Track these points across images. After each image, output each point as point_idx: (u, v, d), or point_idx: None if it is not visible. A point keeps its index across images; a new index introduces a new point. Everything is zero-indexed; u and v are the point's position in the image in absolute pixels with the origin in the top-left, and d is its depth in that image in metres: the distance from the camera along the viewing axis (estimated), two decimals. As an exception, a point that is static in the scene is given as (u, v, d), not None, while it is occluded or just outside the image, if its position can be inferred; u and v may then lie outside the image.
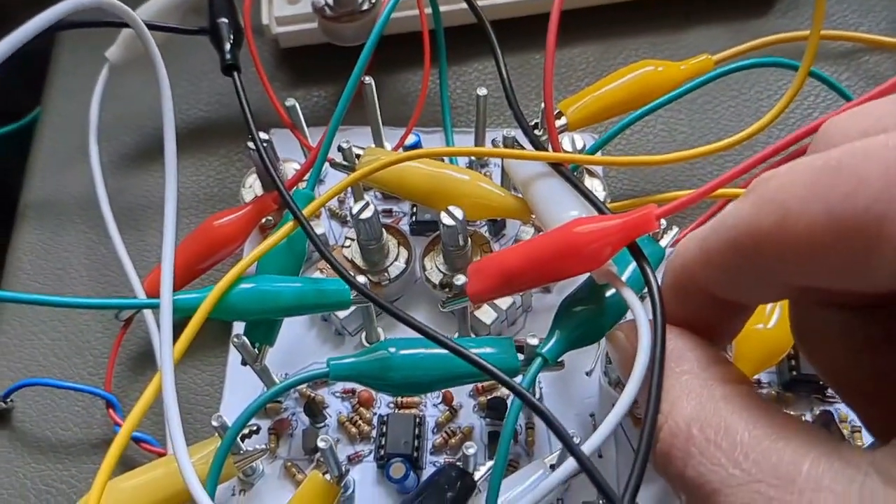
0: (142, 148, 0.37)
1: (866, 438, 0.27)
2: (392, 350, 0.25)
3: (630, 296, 0.25)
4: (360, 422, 0.30)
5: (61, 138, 0.38)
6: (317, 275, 0.32)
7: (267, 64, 0.39)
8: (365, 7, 0.35)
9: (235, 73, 0.32)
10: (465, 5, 0.33)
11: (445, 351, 0.25)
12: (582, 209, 0.27)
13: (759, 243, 0.16)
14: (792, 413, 0.29)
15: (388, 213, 0.34)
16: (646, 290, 0.23)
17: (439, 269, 0.31)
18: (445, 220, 0.29)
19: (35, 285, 0.34)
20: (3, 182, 0.41)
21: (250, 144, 0.30)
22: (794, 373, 0.29)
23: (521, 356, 0.26)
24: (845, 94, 0.32)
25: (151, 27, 0.34)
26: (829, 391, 0.29)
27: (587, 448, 0.21)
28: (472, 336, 0.31)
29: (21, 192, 0.37)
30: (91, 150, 0.35)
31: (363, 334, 0.31)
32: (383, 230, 0.31)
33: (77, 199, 0.36)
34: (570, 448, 0.21)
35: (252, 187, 0.33)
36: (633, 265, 0.27)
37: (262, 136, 0.30)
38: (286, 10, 0.37)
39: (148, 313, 0.32)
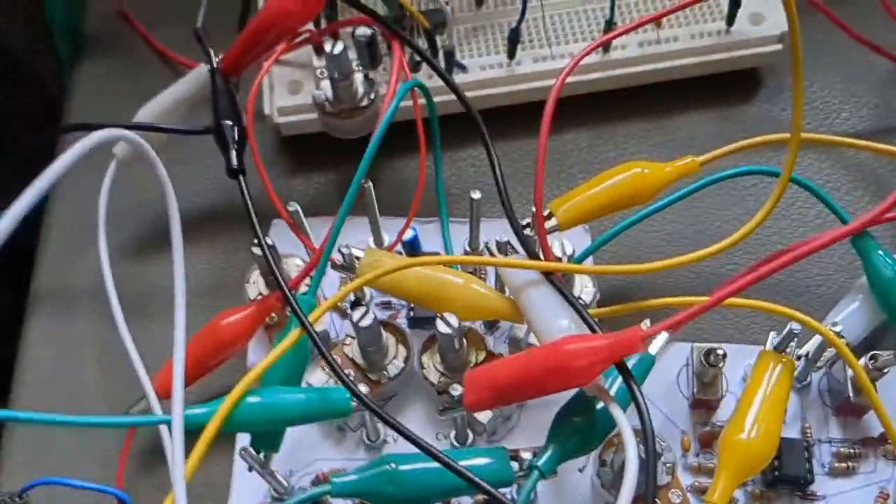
0: (148, 237, 0.38)
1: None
2: (391, 466, 0.27)
3: (618, 412, 0.26)
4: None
5: (69, 228, 0.39)
6: (318, 372, 0.33)
7: (267, 150, 0.40)
8: (364, 103, 0.36)
9: (241, 177, 0.33)
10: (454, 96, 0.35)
11: (441, 467, 0.26)
12: (572, 320, 0.29)
13: None
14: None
15: (387, 305, 0.36)
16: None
17: (437, 369, 0.32)
18: (441, 327, 0.30)
19: (47, 379, 0.35)
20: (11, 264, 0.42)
21: (255, 250, 0.32)
22: (777, 472, 0.30)
23: (515, 465, 0.27)
24: (833, 208, 0.33)
25: (156, 129, 0.36)
26: (810, 489, 0.31)
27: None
28: (469, 434, 0.32)
29: (31, 281, 0.38)
30: (100, 242, 0.36)
31: (363, 431, 0.33)
32: (382, 332, 0.32)
33: (86, 288, 0.37)
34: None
35: (255, 283, 0.35)
36: (619, 380, 0.28)
37: (268, 240, 0.31)
38: (288, 101, 0.38)
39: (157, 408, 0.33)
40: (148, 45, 0.43)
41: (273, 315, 0.33)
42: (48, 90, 0.49)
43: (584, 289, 0.33)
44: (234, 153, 0.33)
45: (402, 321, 0.35)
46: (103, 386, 0.35)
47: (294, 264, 0.35)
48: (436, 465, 0.26)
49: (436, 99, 0.35)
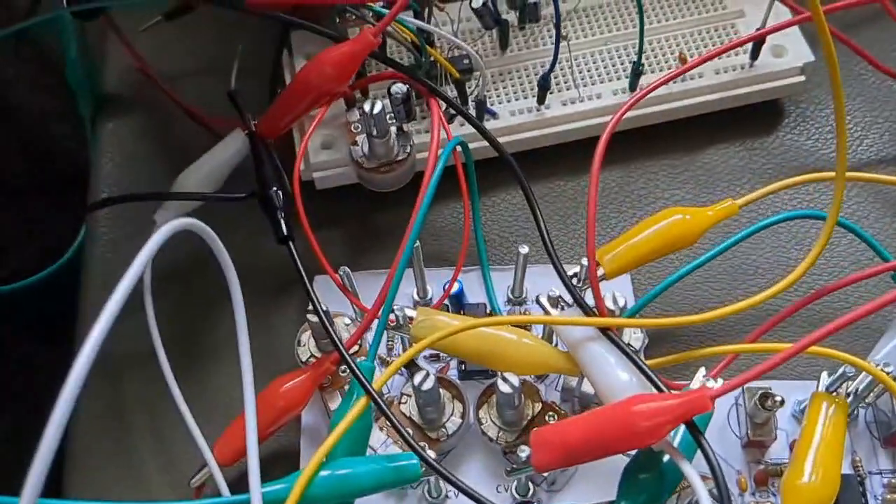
0: (193, 300, 0.39)
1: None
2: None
3: (688, 469, 0.27)
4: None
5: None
6: (377, 433, 0.33)
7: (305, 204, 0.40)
8: (400, 157, 0.36)
9: (290, 244, 0.33)
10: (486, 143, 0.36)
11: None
12: (634, 377, 0.29)
13: None
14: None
15: (436, 357, 0.36)
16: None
17: (494, 423, 0.33)
18: (503, 388, 0.30)
19: (98, 449, 0.35)
20: (51, 324, 0.42)
21: (311, 316, 0.32)
22: (835, 512, 0.31)
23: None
24: (876, 248, 0.34)
25: (202, 197, 0.36)
26: (867, 525, 0.32)
27: None
28: (530, 486, 0.33)
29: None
30: (147, 304, 0.36)
31: (425, 488, 0.33)
32: (440, 392, 0.33)
33: (133, 354, 0.37)
34: None
35: (306, 346, 0.35)
36: (682, 428, 0.29)
37: (323, 306, 0.32)
38: (321, 156, 0.39)
39: (220, 478, 0.33)
40: (171, 102, 0.43)
41: (328, 377, 0.34)
42: (73, 157, 0.49)
43: (633, 335, 0.34)
44: (282, 220, 0.33)
45: (452, 373, 0.35)
46: (157, 455, 0.36)
47: (342, 324, 0.35)
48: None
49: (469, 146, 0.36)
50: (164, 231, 0.26)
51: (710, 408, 0.26)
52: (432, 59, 0.37)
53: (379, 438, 0.33)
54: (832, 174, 0.32)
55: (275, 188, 0.34)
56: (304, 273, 0.32)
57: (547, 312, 0.32)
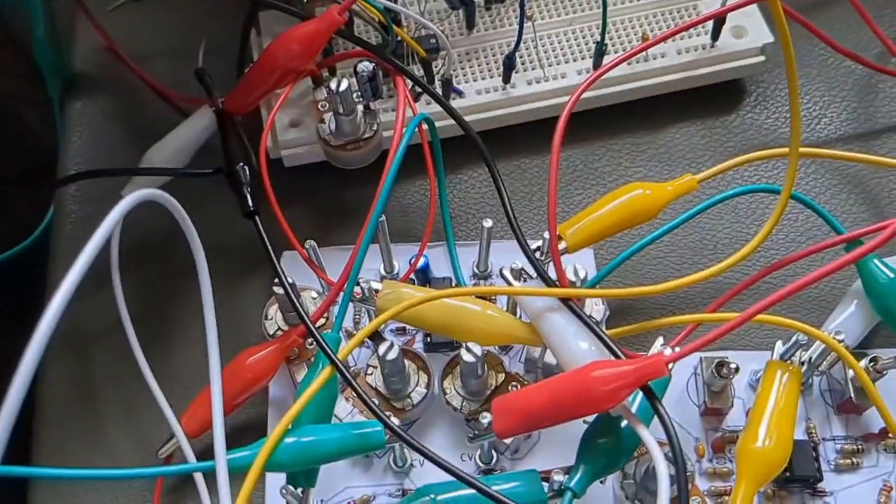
0: (160, 275, 0.39)
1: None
2: (430, 497, 0.28)
3: (645, 433, 0.27)
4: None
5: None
6: (343, 403, 0.34)
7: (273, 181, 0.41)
8: (367, 135, 0.37)
9: (256, 218, 0.34)
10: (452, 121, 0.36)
11: (478, 494, 0.27)
12: (592, 343, 0.30)
13: None
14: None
15: (402, 331, 0.37)
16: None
17: (459, 393, 0.34)
18: (466, 357, 0.31)
19: (65, 419, 0.36)
20: (19, 302, 0.42)
21: (277, 289, 0.33)
22: (788, 473, 0.32)
23: (546, 485, 0.29)
24: (829, 221, 0.35)
25: (168, 173, 0.36)
26: (819, 487, 0.33)
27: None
28: (493, 454, 0.33)
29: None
30: (114, 280, 0.36)
31: (391, 456, 0.34)
32: (405, 362, 0.33)
33: (101, 328, 0.38)
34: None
35: (273, 319, 0.35)
36: (640, 395, 0.29)
37: (289, 279, 0.32)
38: (289, 134, 0.39)
39: (187, 448, 0.34)
40: (140, 81, 0.43)
41: (294, 349, 0.34)
42: (43, 141, 0.49)
43: (595, 307, 0.35)
44: (248, 195, 0.34)
45: (418, 345, 0.36)
46: (126, 428, 0.36)
47: (310, 297, 0.36)
48: (471, 491, 0.28)
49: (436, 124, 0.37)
50: (129, 200, 0.26)
51: (665, 373, 0.27)
52: (399, 38, 0.38)
53: (345, 409, 0.34)
54: (786, 150, 0.33)
55: (241, 164, 0.35)
56: (269, 246, 0.33)
57: (510, 284, 0.32)
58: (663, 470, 0.26)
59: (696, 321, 0.33)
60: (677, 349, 0.29)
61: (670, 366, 0.27)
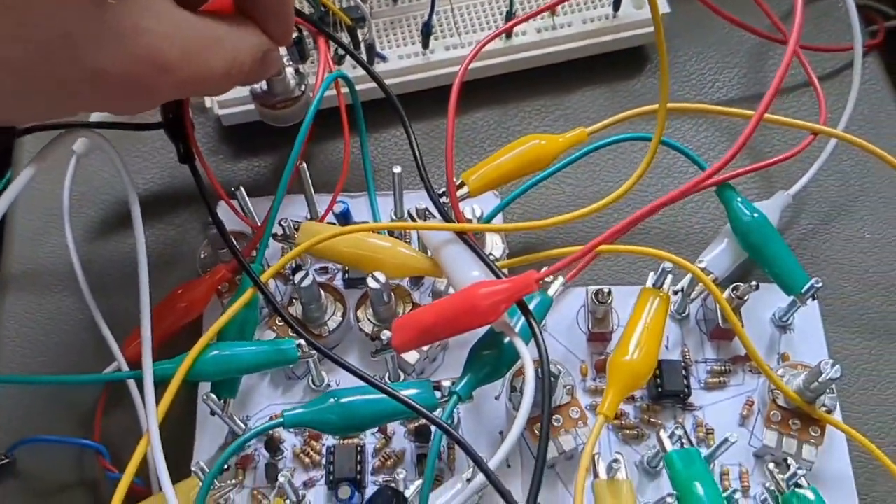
0: (107, 220, 0.43)
1: (718, 439, 0.34)
2: (334, 400, 0.32)
3: (519, 343, 0.31)
4: (311, 453, 0.36)
5: (34, 216, 0.43)
6: (269, 333, 0.38)
7: (211, 139, 0.45)
8: (296, 94, 0.41)
9: (192, 163, 0.37)
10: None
11: (376, 397, 0.31)
12: (482, 272, 0.34)
13: None
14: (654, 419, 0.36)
15: (325, 270, 0.40)
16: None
17: (370, 321, 0.37)
18: (371, 283, 0.35)
19: (22, 351, 0.39)
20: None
21: (213, 231, 0.36)
22: (660, 389, 0.36)
23: (438, 393, 0.33)
24: (694, 160, 0.39)
25: (114, 126, 0.40)
26: (689, 401, 0.37)
27: (493, 464, 0.28)
28: (400, 374, 0.37)
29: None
30: (65, 227, 0.40)
31: (309, 378, 0.37)
32: (321, 292, 0.37)
33: (54, 270, 0.41)
34: (479, 465, 0.28)
35: (207, 256, 0.39)
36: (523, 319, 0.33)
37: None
38: (227, 94, 0.43)
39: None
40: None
41: (224, 283, 0.38)
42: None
43: (495, 246, 0.39)
44: (180, 144, 0.37)
45: (338, 283, 0.40)
46: (76, 357, 0.40)
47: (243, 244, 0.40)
48: (372, 396, 0.32)
49: (361, 87, 0.41)
50: (62, 139, 0.30)
51: (534, 287, 0.31)
52: (325, 8, 0.42)
53: (270, 337, 0.38)
54: (656, 106, 0.36)
55: (178, 116, 0.38)
56: (203, 189, 0.36)
57: (414, 220, 0.36)
58: (530, 373, 0.30)
59: (571, 253, 0.37)
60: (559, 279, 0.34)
61: (542, 283, 0.31)
